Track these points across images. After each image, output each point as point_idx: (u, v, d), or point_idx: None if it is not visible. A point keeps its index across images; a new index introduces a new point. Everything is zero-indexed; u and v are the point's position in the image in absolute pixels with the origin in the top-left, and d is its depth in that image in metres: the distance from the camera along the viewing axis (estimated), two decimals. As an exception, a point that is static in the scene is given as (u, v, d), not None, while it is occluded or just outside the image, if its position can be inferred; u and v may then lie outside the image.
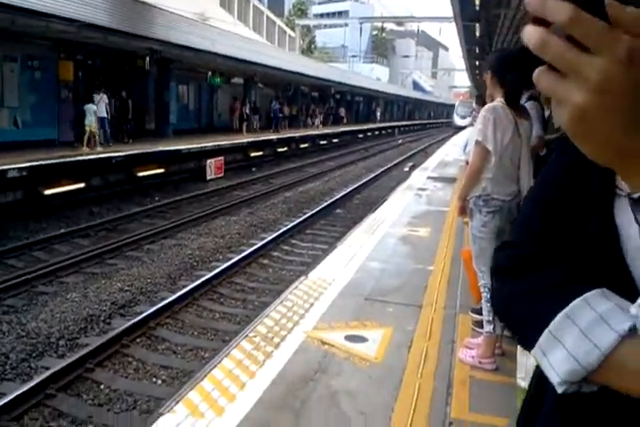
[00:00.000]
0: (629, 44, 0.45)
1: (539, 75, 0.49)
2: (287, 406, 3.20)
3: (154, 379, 5.05)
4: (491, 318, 3.64)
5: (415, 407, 3.16)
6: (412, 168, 18.72)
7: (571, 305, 0.58)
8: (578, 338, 0.56)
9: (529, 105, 5.06)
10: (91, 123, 15.02)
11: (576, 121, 0.48)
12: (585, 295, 0.58)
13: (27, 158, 11.62)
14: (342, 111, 43.48)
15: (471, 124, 34.72)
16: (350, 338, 4.15)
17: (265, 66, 24.21)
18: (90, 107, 15.08)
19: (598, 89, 0.46)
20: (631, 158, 0.49)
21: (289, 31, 52.08)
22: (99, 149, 14.99)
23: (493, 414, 3.08)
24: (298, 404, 3.23)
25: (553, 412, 0.71)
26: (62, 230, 10.23)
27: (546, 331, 0.59)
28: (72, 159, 12.70)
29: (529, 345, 0.63)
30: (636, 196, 0.53)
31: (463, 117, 48.08)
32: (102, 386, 4.87)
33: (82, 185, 12.95)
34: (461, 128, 44.35)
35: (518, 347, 3.22)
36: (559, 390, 0.58)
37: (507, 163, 3.59)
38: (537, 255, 0.71)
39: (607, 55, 0.45)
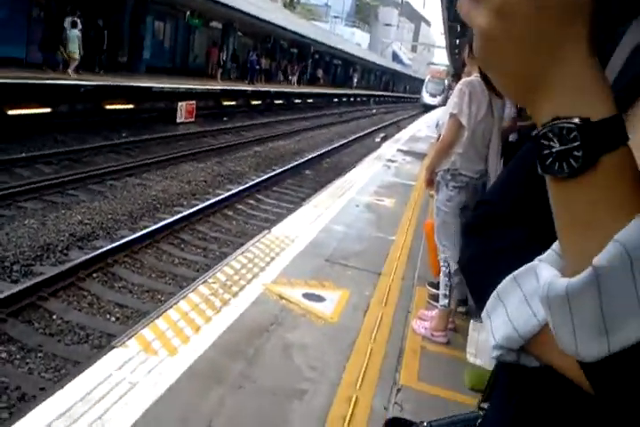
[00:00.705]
0: None
1: (460, 1, 0.48)
2: (240, 353, 3.28)
3: (107, 315, 5.06)
4: (447, 293, 3.76)
5: (366, 370, 3.27)
6: (384, 139, 18.76)
7: (521, 268, 0.54)
8: (520, 304, 0.53)
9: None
10: (74, 49, 14.65)
11: (483, 47, 0.47)
12: (538, 258, 0.53)
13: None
14: (320, 72, 43.06)
15: (443, 104, 33.57)
16: (308, 296, 4.24)
17: (245, 13, 23.62)
18: (74, 32, 14.69)
19: (500, 11, 0.45)
20: (538, 89, 0.46)
21: (273, -19, 50.67)
22: (74, 76, 14.58)
23: (441, 386, 3.22)
24: (251, 351, 3.31)
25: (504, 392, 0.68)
26: (24, 154, 9.99)
27: (494, 292, 0.57)
28: (39, 81, 12.29)
29: (481, 307, 0.60)
30: (533, 133, 0.48)
31: (433, 96, 45.66)
32: (55, 316, 4.85)
33: (48, 110, 12.64)
34: (430, 107, 41.94)
35: (470, 323, 3.37)
36: (493, 353, 0.57)
37: (478, 140, 3.65)
38: (506, 215, 0.68)
39: None
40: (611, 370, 0.44)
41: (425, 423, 0.84)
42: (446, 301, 3.76)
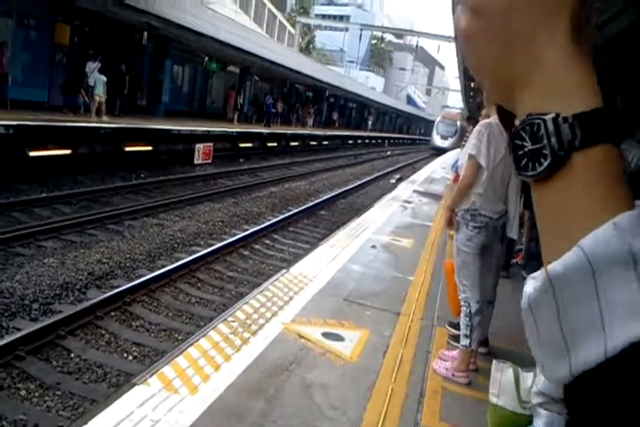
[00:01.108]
0: None
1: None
2: (261, 392, 3.25)
3: (125, 354, 5.04)
4: (467, 333, 3.73)
5: (387, 410, 3.23)
6: (399, 180, 18.87)
7: None
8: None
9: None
10: (100, 92, 15.35)
11: (465, 48, 0.47)
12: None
13: (14, 117, 11.49)
14: (335, 115, 43.79)
15: (455, 147, 32.45)
16: (327, 335, 4.22)
17: (262, 58, 24.25)
18: (99, 77, 15.36)
19: (475, 10, 0.45)
20: (517, 89, 0.45)
21: (289, 27, 51.93)
22: (105, 118, 15.24)
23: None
24: (272, 391, 3.28)
25: None
26: (44, 195, 10.16)
27: None
28: (61, 124, 12.58)
29: None
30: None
31: (445, 138, 43.19)
32: (72, 354, 4.84)
33: (68, 151, 12.87)
34: (441, 151, 39.93)
35: (493, 363, 3.33)
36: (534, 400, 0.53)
37: (497, 180, 3.68)
38: None
39: None
40: (577, 395, 0.39)
41: None
42: (467, 341, 3.73)
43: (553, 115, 0.42)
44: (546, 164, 0.42)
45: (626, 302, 0.37)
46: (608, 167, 0.41)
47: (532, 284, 0.42)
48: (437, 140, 44.35)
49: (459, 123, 41.45)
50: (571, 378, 0.38)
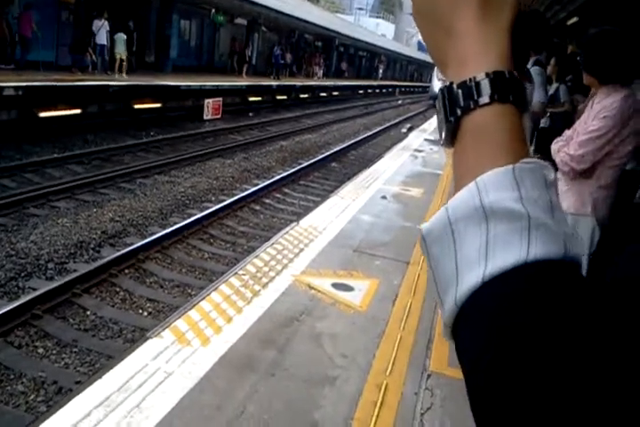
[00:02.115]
0: None
1: None
2: (272, 342, 3.31)
3: (140, 310, 5.15)
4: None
5: (396, 357, 3.28)
6: (410, 130, 18.65)
7: None
8: None
9: (534, 70, 5.05)
10: (121, 51, 15.81)
11: (415, 21, 0.52)
12: None
13: (23, 78, 11.42)
14: (344, 65, 42.95)
15: None
16: (337, 286, 4.26)
17: (269, 8, 23.69)
18: (120, 36, 15.83)
19: None
20: (444, 60, 0.48)
21: (296, -26, 50.51)
22: (125, 76, 15.57)
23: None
24: (282, 341, 3.34)
25: None
26: (55, 155, 10.21)
27: None
28: (69, 84, 12.50)
29: None
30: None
31: None
32: (88, 312, 4.96)
33: (78, 111, 12.85)
34: None
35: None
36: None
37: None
38: None
39: None
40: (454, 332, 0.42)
41: None
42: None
43: (445, 85, 0.46)
44: (444, 131, 0.46)
45: (473, 254, 0.39)
46: (496, 128, 0.43)
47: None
48: (438, 87, 43.31)
49: None
50: (450, 324, 0.42)
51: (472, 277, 0.39)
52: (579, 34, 12.99)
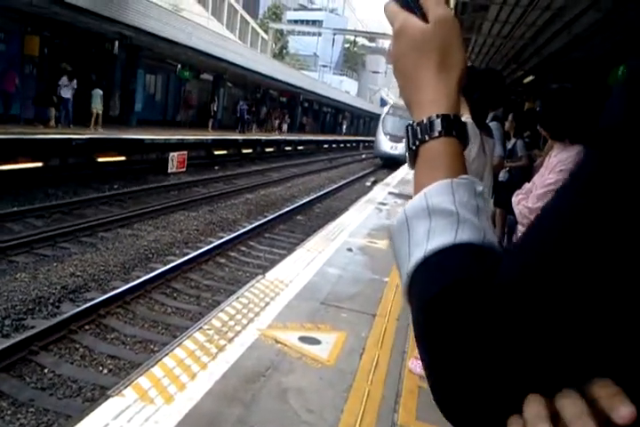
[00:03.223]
0: (395, 27, 0.67)
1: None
2: (238, 399, 3.22)
3: (100, 368, 4.98)
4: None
5: (364, 412, 3.22)
6: (374, 183, 18.92)
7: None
8: None
9: (493, 125, 5.22)
10: (97, 105, 16.33)
11: (390, 61, 0.69)
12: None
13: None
14: (305, 119, 43.74)
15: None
16: (304, 339, 4.20)
17: (237, 65, 24.23)
18: (97, 91, 16.44)
19: (388, 53, 0.69)
20: (411, 105, 0.67)
21: (262, 33, 51.92)
22: (100, 130, 15.96)
23: (439, 424, 3.15)
24: (249, 397, 3.25)
25: None
26: (15, 209, 10.01)
27: None
28: (31, 137, 12.44)
29: None
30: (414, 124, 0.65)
31: (397, 140, 29.29)
32: (46, 370, 4.77)
33: (39, 164, 12.70)
34: (392, 161, 27.95)
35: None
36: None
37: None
38: None
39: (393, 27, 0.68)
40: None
41: None
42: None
43: (410, 123, 0.64)
44: (409, 157, 0.65)
45: (420, 239, 0.57)
46: (441, 153, 0.62)
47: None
48: (385, 145, 30.47)
49: None
50: (405, 286, 0.57)
51: (418, 254, 0.56)
52: (535, 91, 13.56)
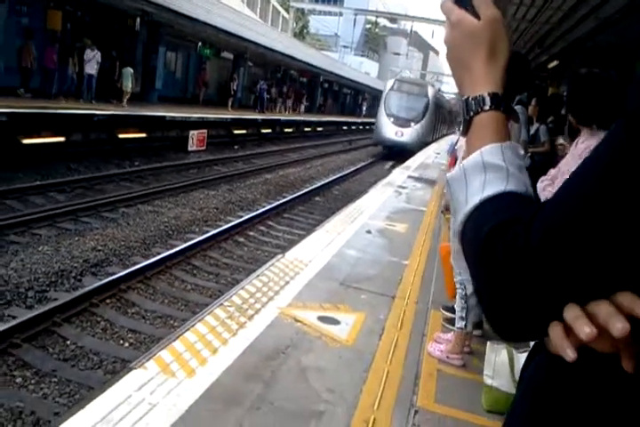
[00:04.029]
0: (454, 18, 0.84)
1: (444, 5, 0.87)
2: (258, 376, 3.26)
3: (121, 341, 5.06)
4: (463, 315, 3.75)
5: (383, 392, 3.25)
6: (393, 166, 18.83)
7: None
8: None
9: (517, 109, 5.16)
10: (128, 83, 16.81)
11: (446, 49, 0.86)
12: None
13: (6, 104, 11.38)
14: (321, 100, 43.42)
15: (426, 143, 24.62)
16: (323, 319, 4.23)
17: (257, 44, 24.09)
18: (127, 69, 16.81)
19: (445, 41, 0.86)
20: (463, 83, 0.84)
21: (283, 12, 51.39)
22: (126, 106, 16.28)
23: (458, 408, 3.19)
24: (268, 374, 3.29)
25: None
26: (38, 182, 10.12)
27: None
28: (53, 111, 12.48)
29: None
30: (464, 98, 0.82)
31: (403, 124, 23.88)
32: (68, 342, 4.86)
33: (62, 139, 12.78)
34: (396, 149, 23.48)
35: (487, 345, 3.34)
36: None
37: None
38: None
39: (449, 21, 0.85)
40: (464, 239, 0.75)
41: None
42: (463, 323, 3.75)
43: (465, 97, 0.81)
44: (463, 124, 0.82)
45: (476, 188, 0.73)
46: (492, 123, 0.79)
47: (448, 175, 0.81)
48: (388, 129, 24.02)
49: (430, 92, 25.36)
50: (458, 233, 0.76)
51: (475, 199, 0.73)
52: (559, 76, 13.35)
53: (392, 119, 24.35)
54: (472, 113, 0.80)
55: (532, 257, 0.61)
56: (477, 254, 0.69)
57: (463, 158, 0.79)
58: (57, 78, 15.04)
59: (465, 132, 0.82)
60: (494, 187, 0.72)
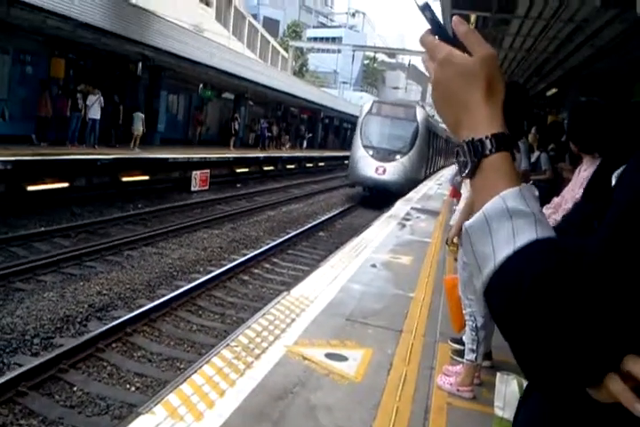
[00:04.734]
0: (440, 57, 0.79)
1: (424, 41, 0.82)
2: (266, 416, 3.21)
3: (128, 385, 5.01)
4: (474, 347, 3.70)
5: (393, 428, 3.20)
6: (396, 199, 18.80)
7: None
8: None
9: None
10: (138, 127, 17.44)
11: (432, 95, 0.82)
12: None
13: (12, 152, 11.54)
14: (322, 135, 43.91)
15: (416, 181, 18.94)
16: (330, 356, 4.19)
17: (257, 84, 24.49)
18: (138, 114, 17.40)
19: (433, 81, 0.81)
20: (458, 125, 0.79)
21: (282, 52, 52.37)
22: (137, 150, 16.93)
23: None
24: (277, 415, 3.25)
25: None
26: (42, 229, 10.17)
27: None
28: (58, 157, 12.63)
29: None
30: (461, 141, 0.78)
31: (384, 157, 19.20)
32: (75, 388, 4.82)
33: (65, 184, 12.89)
34: (380, 191, 18.92)
35: (497, 375, 3.29)
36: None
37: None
38: None
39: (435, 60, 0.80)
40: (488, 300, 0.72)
41: None
42: (473, 355, 3.70)
43: (469, 139, 0.76)
44: (470, 167, 0.76)
45: (504, 237, 0.69)
46: (502, 165, 0.75)
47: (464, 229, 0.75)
48: (366, 165, 19.27)
49: (420, 115, 20.48)
50: (483, 287, 0.71)
51: (507, 250, 0.68)
52: (558, 104, 13.48)
53: (371, 152, 19.43)
54: (479, 155, 0.75)
55: (599, 302, 0.61)
56: (520, 307, 0.65)
57: (469, 200, 0.80)
58: (73, 126, 15.50)
59: (471, 176, 0.76)
60: (525, 235, 0.68)
